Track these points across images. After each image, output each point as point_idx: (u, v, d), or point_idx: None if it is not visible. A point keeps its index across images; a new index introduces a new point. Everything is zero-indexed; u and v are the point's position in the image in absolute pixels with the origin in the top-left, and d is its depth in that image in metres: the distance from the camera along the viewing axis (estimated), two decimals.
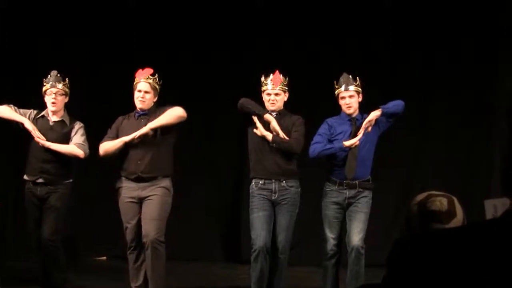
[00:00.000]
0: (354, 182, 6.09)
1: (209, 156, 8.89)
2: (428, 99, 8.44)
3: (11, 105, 6.45)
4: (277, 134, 6.08)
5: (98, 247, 8.85)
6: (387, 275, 2.29)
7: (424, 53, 8.52)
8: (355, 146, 6.06)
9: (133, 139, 6.13)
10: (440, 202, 2.47)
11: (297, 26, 8.65)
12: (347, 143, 6.05)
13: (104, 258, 8.94)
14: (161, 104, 6.33)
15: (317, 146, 6.11)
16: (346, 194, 6.10)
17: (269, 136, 6.08)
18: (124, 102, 6.63)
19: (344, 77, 6.20)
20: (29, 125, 6.33)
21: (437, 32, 8.49)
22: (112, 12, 8.72)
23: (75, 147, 6.37)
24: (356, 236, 6.02)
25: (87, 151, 6.42)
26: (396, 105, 6.14)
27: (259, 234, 6.03)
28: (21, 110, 6.45)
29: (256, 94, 6.36)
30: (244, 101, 6.20)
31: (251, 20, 8.71)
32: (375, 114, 6.08)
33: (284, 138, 6.09)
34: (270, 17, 8.68)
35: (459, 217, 2.46)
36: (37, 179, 6.37)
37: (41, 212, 6.36)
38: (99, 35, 8.69)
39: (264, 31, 8.67)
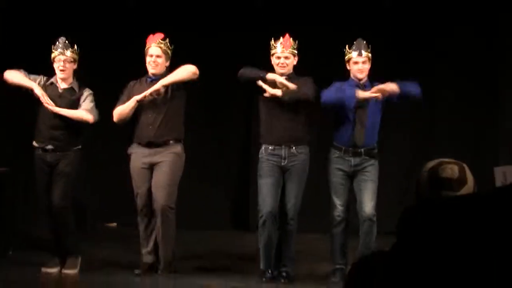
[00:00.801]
0: (359, 150, 6.08)
1: (216, 124, 8.91)
2: (431, 99, 8.39)
3: (21, 70, 6.43)
4: (287, 87, 6.03)
5: (109, 213, 8.90)
6: (397, 242, 2.29)
7: (424, 53, 8.46)
8: (364, 113, 6.03)
9: (144, 97, 6.13)
10: (451, 169, 2.46)
11: (296, 26, 8.58)
12: (361, 93, 5.99)
13: (115, 224, 9.00)
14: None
15: (329, 91, 6.04)
16: (351, 161, 6.10)
17: (278, 92, 6.02)
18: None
19: (358, 42, 6.16)
20: (38, 91, 6.31)
21: (437, 32, 8.44)
22: (112, 12, 8.69)
23: (84, 112, 6.36)
24: (367, 205, 6.02)
25: (97, 116, 6.42)
26: (413, 89, 6.06)
27: (266, 200, 6.03)
28: (31, 76, 6.43)
29: (264, 63, 6.33)
30: (243, 70, 6.17)
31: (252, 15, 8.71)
32: (391, 87, 6.00)
33: (294, 90, 6.02)
34: (268, 16, 8.65)
35: (470, 185, 2.46)
36: (47, 145, 6.37)
37: (51, 178, 6.37)
38: (98, 35, 8.63)
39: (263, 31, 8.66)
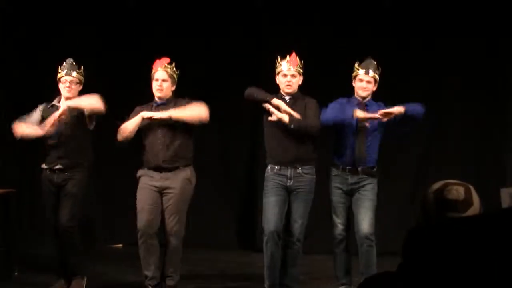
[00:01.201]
0: (357, 169, 6.08)
1: (222, 143, 8.91)
2: (433, 98, 8.40)
3: (21, 122, 6.40)
4: (290, 115, 6.03)
5: (115, 234, 8.90)
6: (403, 263, 2.29)
7: (424, 53, 8.47)
8: (363, 133, 6.03)
9: (151, 117, 6.12)
10: (457, 190, 2.46)
11: (296, 26, 8.65)
12: (359, 113, 6.00)
13: (120, 245, 8.99)
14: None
15: (328, 113, 6.04)
16: (349, 180, 6.09)
17: (286, 118, 6.01)
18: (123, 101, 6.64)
19: (368, 61, 6.16)
20: (45, 129, 6.30)
21: (437, 33, 8.45)
22: (112, 12, 8.72)
23: (93, 100, 6.31)
24: (363, 225, 6.01)
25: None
26: (417, 110, 6.05)
27: (270, 219, 6.02)
28: (32, 116, 6.41)
29: (267, 80, 6.35)
30: (249, 90, 6.16)
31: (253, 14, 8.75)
32: (398, 110, 6.00)
33: (299, 118, 6.03)
34: (268, 16, 8.72)
35: (476, 206, 2.45)
36: (55, 165, 6.38)
37: (58, 199, 6.37)
38: (98, 35, 8.67)
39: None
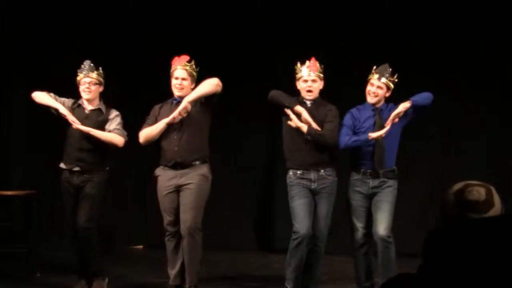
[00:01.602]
0: (378, 172, 6.08)
1: (241, 145, 8.92)
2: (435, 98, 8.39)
3: (51, 93, 6.49)
4: (309, 125, 6.07)
5: (135, 235, 8.94)
6: (423, 264, 2.30)
7: (424, 53, 8.45)
8: (381, 138, 6.04)
9: (173, 119, 6.14)
10: (478, 191, 2.46)
11: (296, 26, 8.66)
12: (373, 135, 6.02)
13: (141, 247, 9.03)
14: None
15: (344, 139, 6.09)
16: (370, 183, 6.09)
17: (304, 128, 6.05)
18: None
19: (383, 67, 6.16)
20: (63, 110, 6.35)
21: (437, 33, 8.43)
22: (112, 12, 8.76)
23: (114, 134, 6.38)
24: (381, 227, 5.99)
25: (126, 138, 6.46)
26: (425, 97, 6.10)
27: (302, 221, 6.01)
28: (59, 99, 6.49)
29: (286, 82, 6.36)
30: (274, 93, 6.19)
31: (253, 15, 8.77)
32: (404, 106, 6.03)
33: (318, 130, 6.07)
34: (268, 17, 8.72)
35: (497, 207, 2.45)
36: (73, 167, 6.41)
37: (77, 200, 6.41)
38: (98, 35, 8.70)
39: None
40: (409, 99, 6.05)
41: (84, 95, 6.46)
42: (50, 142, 7.86)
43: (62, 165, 6.48)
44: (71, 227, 6.40)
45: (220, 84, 6.17)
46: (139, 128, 6.33)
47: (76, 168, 6.41)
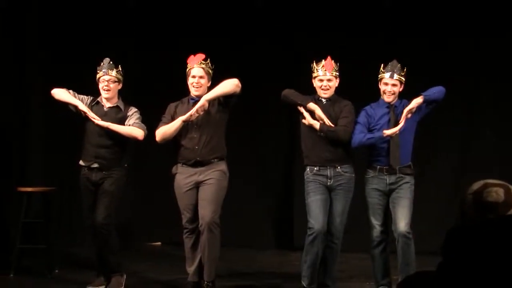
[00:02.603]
0: (394, 168, 6.06)
1: (259, 143, 8.92)
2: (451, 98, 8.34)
3: (70, 90, 6.50)
4: (323, 122, 6.07)
5: (153, 232, 8.97)
6: (443, 262, 2.29)
7: (424, 53, 8.41)
8: (396, 134, 6.02)
9: (190, 116, 6.14)
10: (497, 193, 2.44)
11: (296, 26, 8.66)
12: (387, 132, 6.00)
13: (159, 243, 9.06)
14: None
15: (358, 136, 6.08)
16: (386, 180, 6.07)
17: (317, 125, 6.06)
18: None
19: (392, 64, 6.15)
20: (83, 107, 6.37)
21: (437, 33, 8.39)
22: (111, 12, 8.75)
23: (133, 128, 6.39)
24: (401, 223, 5.97)
25: (146, 132, 6.45)
26: (437, 91, 6.06)
27: (317, 217, 6.02)
28: (78, 95, 6.51)
29: (303, 81, 6.35)
30: (286, 93, 6.20)
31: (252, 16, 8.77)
32: (416, 101, 6.01)
33: (331, 126, 6.07)
34: (269, 17, 8.72)
35: None
36: (92, 164, 6.43)
37: (95, 197, 6.42)
38: (98, 35, 8.68)
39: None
40: (421, 94, 6.04)
41: (104, 93, 6.48)
42: (69, 139, 7.90)
43: (81, 162, 6.50)
44: (89, 223, 6.42)
45: (240, 85, 6.17)
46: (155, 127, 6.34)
47: (95, 165, 6.42)
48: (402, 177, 6.07)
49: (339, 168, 6.11)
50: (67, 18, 8.61)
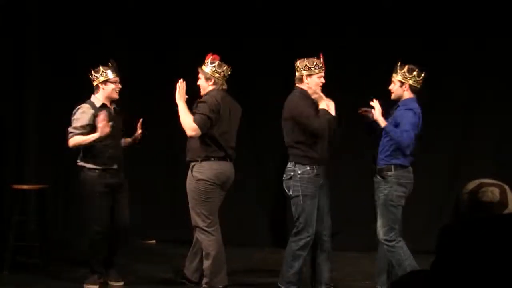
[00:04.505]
0: (375, 169, 6.01)
1: (256, 142, 8.91)
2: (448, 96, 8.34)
3: (73, 134, 6.33)
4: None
5: (148, 230, 8.96)
6: (436, 261, 2.28)
7: (424, 53, 8.40)
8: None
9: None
10: (492, 192, 2.43)
11: (296, 26, 8.66)
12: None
13: (153, 241, 9.04)
14: None
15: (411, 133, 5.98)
16: (374, 181, 6.05)
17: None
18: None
19: (398, 64, 6.11)
20: (98, 135, 6.18)
21: (437, 33, 8.38)
22: (112, 12, 8.75)
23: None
24: (379, 230, 5.94)
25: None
26: (396, 136, 5.91)
27: (313, 223, 5.97)
28: (81, 120, 6.33)
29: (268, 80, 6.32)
30: (319, 123, 6.01)
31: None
32: (376, 116, 5.97)
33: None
34: (268, 17, 8.71)
35: (511, 207, 2.43)
36: (111, 165, 6.33)
37: (111, 200, 6.35)
38: (98, 35, 8.69)
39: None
40: (386, 123, 5.95)
41: (114, 94, 6.41)
42: (63, 137, 7.90)
43: (90, 165, 6.32)
44: (105, 226, 6.31)
45: (195, 133, 5.96)
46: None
47: (115, 166, 6.35)
48: (379, 180, 6.01)
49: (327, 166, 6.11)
50: (67, 18, 8.62)
